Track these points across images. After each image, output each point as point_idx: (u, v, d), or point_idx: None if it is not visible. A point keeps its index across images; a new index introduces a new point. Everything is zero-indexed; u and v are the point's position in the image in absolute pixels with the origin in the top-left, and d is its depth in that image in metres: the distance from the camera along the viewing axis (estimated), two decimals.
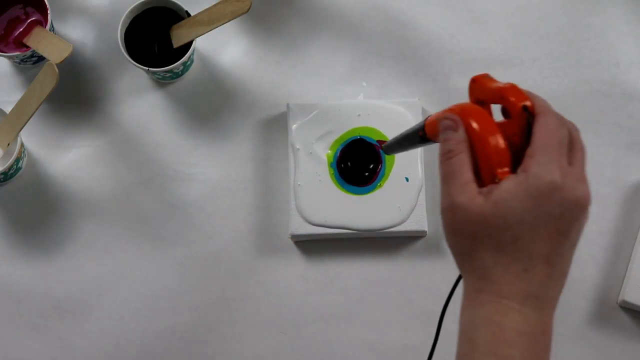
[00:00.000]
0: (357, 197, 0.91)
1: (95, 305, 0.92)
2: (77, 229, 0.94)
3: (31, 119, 0.86)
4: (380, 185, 0.91)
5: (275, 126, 0.95)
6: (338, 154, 0.92)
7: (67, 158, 0.95)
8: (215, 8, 0.88)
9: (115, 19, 0.91)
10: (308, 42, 0.97)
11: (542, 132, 0.54)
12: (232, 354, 0.91)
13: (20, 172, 0.94)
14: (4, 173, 0.90)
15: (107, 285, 0.93)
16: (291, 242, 0.93)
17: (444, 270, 0.92)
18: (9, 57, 0.93)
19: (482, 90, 0.58)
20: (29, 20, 0.92)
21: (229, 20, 0.87)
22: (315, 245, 0.93)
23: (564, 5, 0.97)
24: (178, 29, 0.91)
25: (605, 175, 0.93)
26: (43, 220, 0.94)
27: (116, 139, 0.95)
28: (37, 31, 0.91)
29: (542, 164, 0.53)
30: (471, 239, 0.54)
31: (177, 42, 0.91)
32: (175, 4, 0.91)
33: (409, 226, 0.90)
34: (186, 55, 0.90)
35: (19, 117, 0.87)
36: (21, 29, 0.92)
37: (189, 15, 0.91)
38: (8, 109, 0.88)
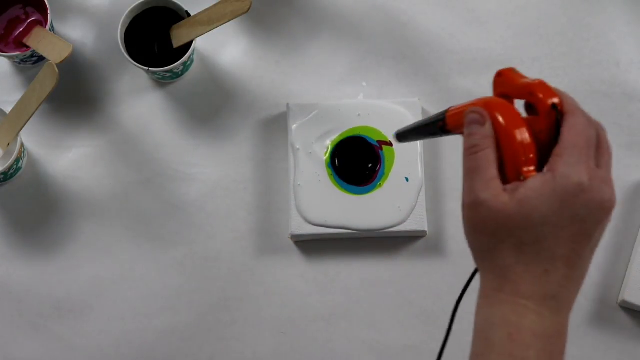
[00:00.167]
0: (357, 197, 0.91)
1: (95, 305, 0.92)
2: (77, 229, 0.93)
3: (31, 119, 0.86)
4: (380, 185, 0.91)
5: (275, 126, 0.95)
6: (333, 152, 0.92)
7: (67, 158, 0.95)
8: (215, 8, 0.88)
9: (115, 19, 0.91)
10: (308, 42, 0.97)
11: (570, 132, 0.53)
12: (232, 354, 0.91)
13: (20, 172, 0.94)
14: (4, 173, 0.90)
15: (107, 285, 0.93)
16: (291, 242, 0.93)
17: (444, 270, 0.92)
18: (9, 57, 0.93)
19: (509, 84, 0.57)
20: (29, 20, 0.92)
21: (229, 20, 0.87)
22: (315, 245, 0.93)
23: (564, 5, 0.97)
24: (178, 29, 0.91)
25: None
26: (43, 220, 0.94)
27: (116, 139, 0.95)
28: (37, 31, 0.91)
29: (570, 164, 0.52)
30: (493, 236, 0.54)
31: (177, 42, 0.91)
32: (175, 4, 0.91)
33: (409, 226, 0.90)
34: (186, 55, 0.90)
35: (19, 117, 0.87)
36: (21, 29, 0.92)
37: (189, 15, 0.91)
38: (8, 109, 0.88)
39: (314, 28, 0.97)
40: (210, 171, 0.94)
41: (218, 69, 0.97)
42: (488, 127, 0.55)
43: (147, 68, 0.89)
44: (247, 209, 0.94)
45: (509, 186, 0.53)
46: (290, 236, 0.92)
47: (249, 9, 0.86)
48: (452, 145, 0.93)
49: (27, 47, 0.91)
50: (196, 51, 0.96)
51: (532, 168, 0.53)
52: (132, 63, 0.90)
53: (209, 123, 0.95)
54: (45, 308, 0.92)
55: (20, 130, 0.87)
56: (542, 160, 0.54)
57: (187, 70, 0.95)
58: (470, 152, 0.55)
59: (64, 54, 0.87)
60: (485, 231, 0.54)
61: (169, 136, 0.95)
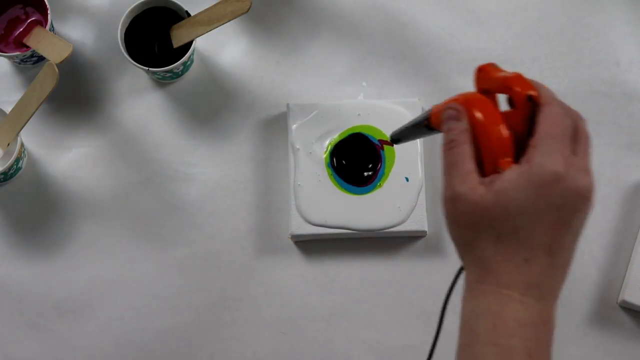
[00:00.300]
0: (357, 197, 0.91)
1: (95, 305, 0.92)
2: (77, 229, 0.93)
3: (31, 119, 0.86)
4: (380, 185, 0.91)
5: (275, 126, 0.95)
6: (332, 151, 0.92)
7: (67, 158, 0.95)
8: (215, 8, 0.88)
9: (115, 19, 0.91)
10: (308, 42, 0.97)
11: (546, 122, 0.54)
12: (232, 354, 0.91)
13: (20, 172, 0.94)
14: (4, 173, 0.90)
15: (107, 285, 0.93)
16: (291, 242, 0.93)
17: (444, 270, 0.92)
18: (9, 57, 0.93)
19: (488, 79, 0.58)
20: (29, 20, 0.92)
21: (229, 20, 0.87)
22: (315, 245, 0.93)
23: (564, 5, 0.97)
24: (178, 29, 0.91)
25: (605, 175, 0.93)
26: (43, 220, 0.94)
27: (116, 139, 0.95)
28: (37, 31, 0.91)
29: (546, 154, 0.53)
30: (472, 229, 0.54)
31: (177, 42, 0.91)
32: (175, 4, 0.91)
33: (409, 226, 0.90)
34: (186, 55, 0.90)
35: (19, 117, 0.87)
36: (21, 29, 0.92)
37: (189, 15, 0.91)
38: (8, 109, 0.88)
39: (314, 28, 0.97)
40: (210, 171, 0.94)
41: (218, 69, 0.97)
42: (464, 123, 0.56)
43: (147, 68, 0.89)
44: (247, 209, 0.94)
45: (486, 179, 0.54)
46: (290, 236, 0.92)
47: (249, 9, 0.86)
48: None
49: (27, 47, 0.91)
50: (196, 51, 0.96)
51: (508, 159, 0.54)
52: (132, 63, 0.90)
53: (209, 123, 0.95)
54: (45, 308, 0.92)
55: (20, 130, 0.87)
56: (521, 152, 0.54)
57: (187, 70, 0.95)
58: (447, 148, 0.56)
59: (64, 54, 0.87)
60: (464, 224, 0.55)
61: (169, 136, 0.95)
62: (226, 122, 0.95)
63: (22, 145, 0.90)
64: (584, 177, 0.53)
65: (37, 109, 0.86)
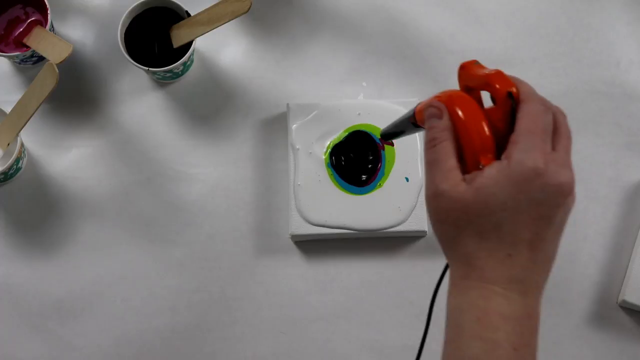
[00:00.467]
0: (357, 197, 0.91)
1: (95, 305, 0.92)
2: (77, 229, 0.93)
3: (31, 119, 0.86)
4: (380, 185, 0.91)
5: (275, 126, 0.95)
6: (333, 150, 0.92)
7: (67, 158, 0.95)
8: (215, 8, 0.88)
9: (115, 19, 0.91)
10: (308, 42, 0.97)
11: (525, 119, 0.54)
12: (232, 354, 0.91)
13: (20, 172, 0.94)
14: (4, 173, 0.90)
15: (107, 285, 0.93)
16: (291, 242, 0.93)
17: None
18: (9, 57, 0.93)
19: (470, 77, 0.58)
20: (29, 20, 0.92)
21: (229, 20, 0.87)
22: (315, 245, 0.93)
23: (563, 5, 0.97)
24: (178, 29, 0.91)
25: (605, 175, 0.94)
26: (43, 220, 0.94)
27: (116, 139, 0.95)
28: (37, 31, 0.91)
29: (525, 150, 0.53)
30: (455, 225, 0.55)
31: (177, 42, 0.91)
32: (175, 4, 0.91)
33: (409, 226, 0.90)
34: (186, 55, 0.90)
35: (19, 117, 0.87)
36: (21, 29, 0.92)
37: (189, 15, 0.91)
38: (8, 109, 0.88)
39: (314, 28, 0.97)
40: (210, 171, 0.94)
41: (218, 69, 0.97)
42: (445, 120, 0.56)
43: (147, 68, 0.89)
44: (247, 209, 0.94)
45: (467, 176, 0.55)
46: (290, 236, 0.92)
47: (249, 9, 0.86)
48: None
49: (27, 47, 0.91)
50: (196, 51, 0.96)
51: (489, 156, 0.55)
52: (132, 63, 0.90)
53: (209, 123, 0.96)
54: (45, 308, 0.92)
55: (20, 130, 0.87)
56: (503, 148, 0.55)
57: (187, 70, 0.95)
58: (430, 146, 0.57)
59: (64, 54, 0.87)
60: (447, 221, 0.55)
61: (169, 136, 0.95)
62: (226, 122, 0.95)
63: (22, 145, 0.90)
64: (564, 172, 0.54)
65: (37, 109, 0.86)
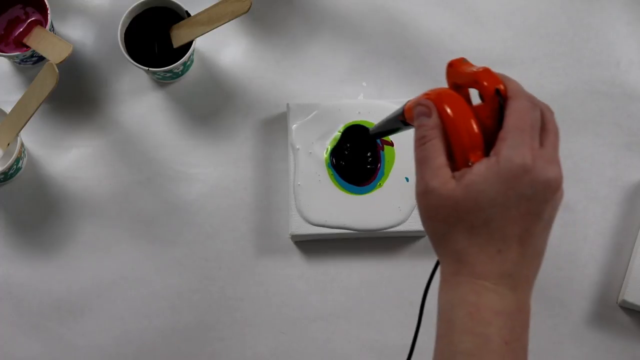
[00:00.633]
0: (357, 197, 0.91)
1: (95, 305, 0.92)
2: (77, 229, 0.93)
3: (31, 119, 0.86)
4: (380, 185, 0.91)
5: (275, 126, 0.95)
6: (333, 150, 0.91)
7: (67, 158, 0.95)
8: (215, 8, 0.88)
9: (115, 19, 0.91)
10: (308, 42, 0.97)
11: (513, 115, 0.55)
12: (232, 354, 0.91)
13: (20, 172, 0.94)
14: (4, 173, 0.90)
15: (107, 285, 0.93)
16: (291, 242, 0.93)
17: None
18: (9, 57, 0.93)
19: (458, 74, 0.59)
20: (29, 20, 0.92)
21: (229, 20, 0.87)
22: (315, 245, 0.93)
23: (563, 5, 0.97)
24: (178, 29, 0.91)
25: (605, 175, 0.94)
26: (43, 220, 0.94)
27: (116, 139, 0.95)
28: (37, 31, 0.91)
29: (513, 146, 0.53)
30: (445, 222, 0.56)
31: (177, 42, 0.91)
32: (175, 4, 0.91)
33: (409, 226, 0.90)
34: (186, 55, 0.90)
35: (19, 117, 0.87)
36: (21, 29, 0.92)
37: (189, 15, 0.91)
38: (8, 109, 0.88)
39: (314, 28, 0.97)
40: (210, 171, 0.94)
41: (218, 69, 0.97)
42: (434, 118, 0.57)
43: (147, 68, 0.89)
44: (247, 209, 0.94)
45: (457, 173, 0.55)
46: (290, 236, 0.92)
47: (249, 9, 0.86)
48: None
49: (27, 47, 0.91)
50: (196, 51, 0.96)
51: (478, 153, 0.55)
52: (132, 63, 0.90)
53: (209, 123, 0.96)
54: (45, 308, 0.92)
55: (20, 130, 0.87)
56: (491, 145, 0.55)
57: (187, 70, 0.95)
58: (419, 144, 0.57)
59: (64, 54, 0.87)
60: (437, 218, 0.56)
61: (169, 136, 0.95)
62: (226, 122, 0.95)
63: (22, 145, 0.90)
64: (552, 168, 0.54)
65: (37, 109, 0.86)
